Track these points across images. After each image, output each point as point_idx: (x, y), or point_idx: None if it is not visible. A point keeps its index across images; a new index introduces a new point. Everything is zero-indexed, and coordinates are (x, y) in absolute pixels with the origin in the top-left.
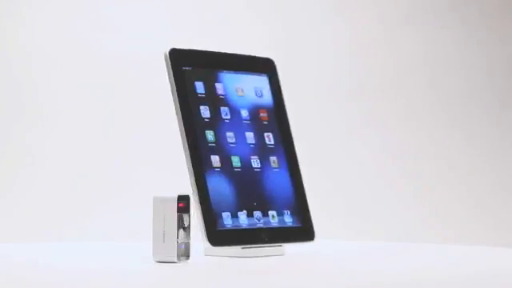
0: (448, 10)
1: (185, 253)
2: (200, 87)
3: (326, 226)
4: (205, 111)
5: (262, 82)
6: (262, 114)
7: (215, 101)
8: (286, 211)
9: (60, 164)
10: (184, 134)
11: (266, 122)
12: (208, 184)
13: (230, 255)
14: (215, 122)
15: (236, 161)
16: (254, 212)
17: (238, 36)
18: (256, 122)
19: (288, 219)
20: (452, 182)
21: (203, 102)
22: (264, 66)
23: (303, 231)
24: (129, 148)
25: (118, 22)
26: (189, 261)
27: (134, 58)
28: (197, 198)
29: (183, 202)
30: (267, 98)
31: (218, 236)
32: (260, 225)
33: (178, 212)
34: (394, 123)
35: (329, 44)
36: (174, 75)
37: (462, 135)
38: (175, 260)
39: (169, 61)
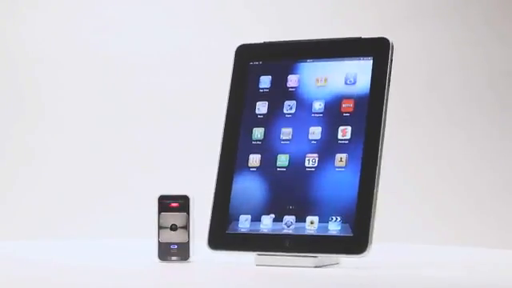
0: (448, 10)
1: (178, 253)
2: (265, 82)
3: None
4: (262, 107)
5: (361, 66)
6: (345, 105)
7: (280, 95)
8: (335, 217)
9: (61, 163)
10: (222, 133)
11: (347, 114)
12: (234, 185)
13: (256, 262)
14: (271, 118)
15: (283, 160)
16: (286, 216)
17: (238, 36)
18: (332, 114)
19: (334, 227)
20: (452, 182)
21: (263, 97)
22: (371, 48)
23: (351, 242)
24: (134, 148)
25: (119, 23)
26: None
27: (136, 59)
28: (213, 199)
29: (178, 202)
30: (362, 85)
31: (223, 239)
32: (288, 231)
33: (160, 212)
34: (393, 123)
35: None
36: (233, 72)
37: (462, 135)
38: (156, 260)
39: (234, 58)
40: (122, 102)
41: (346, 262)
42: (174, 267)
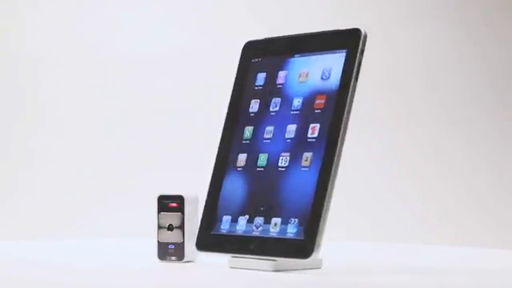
0: (447, 10)
1: (175, 253)
2: (261, 79)
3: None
4: (255, 105)
5: (335, 60)
6: (317, 101)
7: (270, 92)
8: (293, 219)
9: (61, 164)
10: (221, 132)
11: (318, 111)
12: (224, 185)
13: (229, 265)
14: (259, 116)
15: (262, 159)
16: (256, 218)
17: (238, 36)
18: (307, 111)
19: (291, 229)
20: (452, 182)
21: (257, 95)
22: (345, 40)
23: (300, 245)
24: (136, 148)
25: (120, 24)
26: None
27: (136, 59)
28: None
29: (177, 202)
30: (334, 79)
31: (208, 241)
32: (256, 233)
33: (160, 212)
34: (393, 123)
35: None
36: (237, 70)
37: (462, 135)
38: (156, 260)
39: (240, 55)
40: (122, 102)
41: (327, 265)
42: (173, 267)
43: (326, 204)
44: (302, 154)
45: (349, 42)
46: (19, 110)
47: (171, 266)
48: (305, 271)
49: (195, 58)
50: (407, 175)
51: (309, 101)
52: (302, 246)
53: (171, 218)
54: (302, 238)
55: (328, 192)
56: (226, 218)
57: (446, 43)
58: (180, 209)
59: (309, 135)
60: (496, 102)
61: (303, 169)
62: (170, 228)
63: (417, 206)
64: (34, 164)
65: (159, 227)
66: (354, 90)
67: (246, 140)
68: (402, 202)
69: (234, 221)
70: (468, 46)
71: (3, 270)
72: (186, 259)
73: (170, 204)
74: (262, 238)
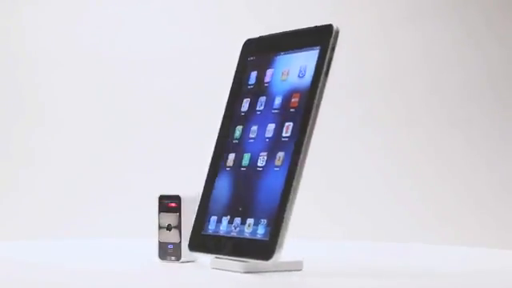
0: (447, 11)
1: (173, 253)
2: (253, 77)
3: (326, 226)
4: (245, 104)
5: (310, 57)
6: (293, 99)
7: (258, 91)
8: (263, 220)
9: (61, 163)
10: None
11: (293, 109)
12: (215, 185)
13: (211, 265)
14: (248, 115)
15: (246, 159)
16: (235, 218)
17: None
18: (283, 110)
19: (260, 230)
20: (452, 182)
21: (248, 94)
22: (319, 37)
23: (263, 246)
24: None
25: (120, 23)
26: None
27: (136, 59)
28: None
29: (175, 202)
30: (308, 77)
31: (197, 241)
32: (234, 233)
33: (160, 212)
34: (393, 123)
35: None
36: (236, 68)
37: (462, 135)
38: (157, 260)
39: (239, 53)
40: (122, 101)
41: (309, 267)
42: (163, 268)
43: (288, 205)
44: (276, 154)
45: (322, 38)
46: (19, 109)
47: (166, 266)
48: (281, 273)
49: (195, 58)
50: (407, 175)
51: (286, 99)
52: (265, 248)
53: (170, 218)
54: (267, 239)
55: (291, 193)
56: (213, 219)
57: (446, 43)
58: (178, 209)
59: (283, 134)
60: (496, 102)
61: (276, 169)
62: (169, 228)
63: (417, 206)
64: (33, 164)
65: (159, 227)
66: (323, 87)
67: (236, 140)
68: (402, 201)
69: (219, 221)
70: (468, 46)
71: (3, 270)
72: (183, 259)
73: (169, 204)
74: (237, 238)
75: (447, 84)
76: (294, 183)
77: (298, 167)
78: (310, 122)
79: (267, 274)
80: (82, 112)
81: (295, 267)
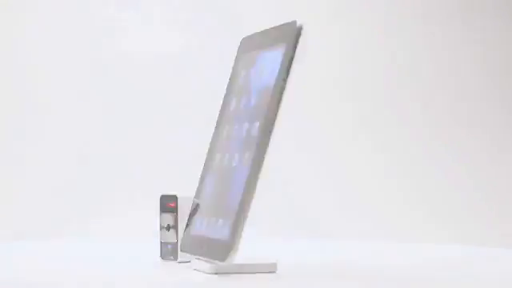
0: (448, 10)
1: (172, 253)
2: (242, 76)
3: (326, 226)
4: (233, 103)
5: (278, 55)
6: (263, 98)
7: (241, 89)
8: (227, 221)
9: (61, 163)
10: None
11: (261, 108)
12: (205, 185)
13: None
14: (234, 114)
15: (226, 159)
16: (211, 218)
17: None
18: (256, 109)
19: (224, 231)
20: (452, 182)
21: (235, 92)
22: (285, 35)
23: (221, 247)
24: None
25: (119, 23)
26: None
27: (136, 59)
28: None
29: (173, 202)
30: (273, 75)
31: (187, 241)
32: (208, 234)
33: (161, 212)
34: (393, 123)
35: (328, 44)
36: (233, 67)
37: (462, 135)
38: (158, 259)
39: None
40: (121, 101)
41: (285, 269)
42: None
43: (246, 205)
44: (245, 153)
45: (287, 36)
46: (19, 109)
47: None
48: (253, 276)
49: (195, 58)
50: (407, 175)
51: (258, 98)
52: (222, 248)
53: (168, 218)
54: (227, 239)
55: (248, 193)
56: (200, 218)
57: (446, 43)
58: (175, 209)
59: (252, 133)
60: (496, 102)
61: (243, 168)
62: (168, 228)
63: (417, 206)
64: (33, 163)
65: (161, 227)
66: (283, 85)
67: (222, 139)
68: (402, 201)
69: (201, 221)
70: (468, 45)
71: (3, 270)
72: (180, 259)
73: (168, 204)
74: (208, 238)
75: (447, 84)
76: (252, 183)
77: (256, 166)
78: (270, 120)
79: (237, 275)
80: (81, 112)
81: (269, 269)
